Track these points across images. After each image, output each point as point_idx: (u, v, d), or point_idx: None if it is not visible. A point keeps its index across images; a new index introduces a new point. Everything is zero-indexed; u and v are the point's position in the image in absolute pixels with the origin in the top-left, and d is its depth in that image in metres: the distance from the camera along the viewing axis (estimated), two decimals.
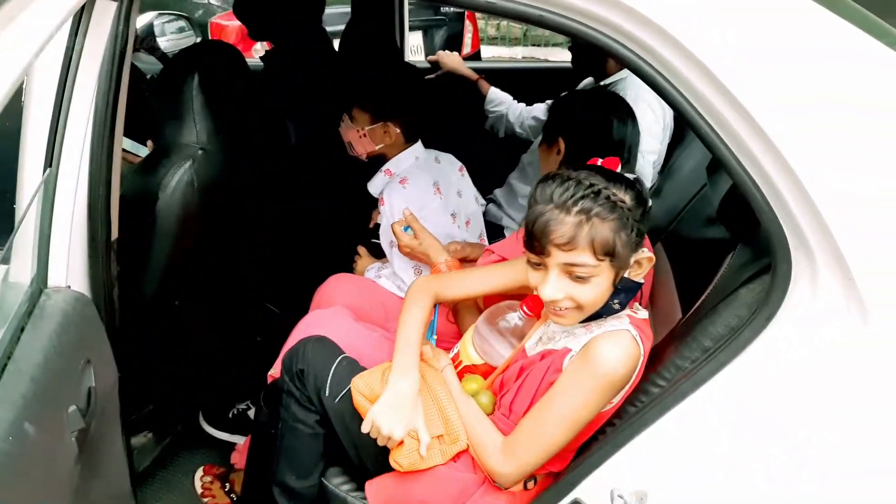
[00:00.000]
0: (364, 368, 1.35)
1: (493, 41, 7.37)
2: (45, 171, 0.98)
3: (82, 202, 1.08)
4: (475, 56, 4.58)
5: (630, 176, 1.13)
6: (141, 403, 1.62)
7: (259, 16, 2.21)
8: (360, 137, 1.76)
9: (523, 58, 7.22)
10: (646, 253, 1.11)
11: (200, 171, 1.36)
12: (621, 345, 1.09)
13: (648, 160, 1.85)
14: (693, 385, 1.00)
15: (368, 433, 1.19)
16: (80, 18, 0.94)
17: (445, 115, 2.00)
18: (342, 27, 2.44)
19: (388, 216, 1.73)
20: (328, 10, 4.13)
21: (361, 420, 1.22)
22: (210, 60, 1.39)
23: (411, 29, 4.14)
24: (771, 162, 0.88)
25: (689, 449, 1.01)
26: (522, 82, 2.67)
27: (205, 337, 1.78)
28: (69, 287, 1.04)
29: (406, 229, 1.66)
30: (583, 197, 1.04)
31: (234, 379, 2.10)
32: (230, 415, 2.01)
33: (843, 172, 0.86)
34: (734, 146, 0.90)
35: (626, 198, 1.07)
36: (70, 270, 1.06)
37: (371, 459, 1.29)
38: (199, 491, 1.83)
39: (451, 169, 1.87)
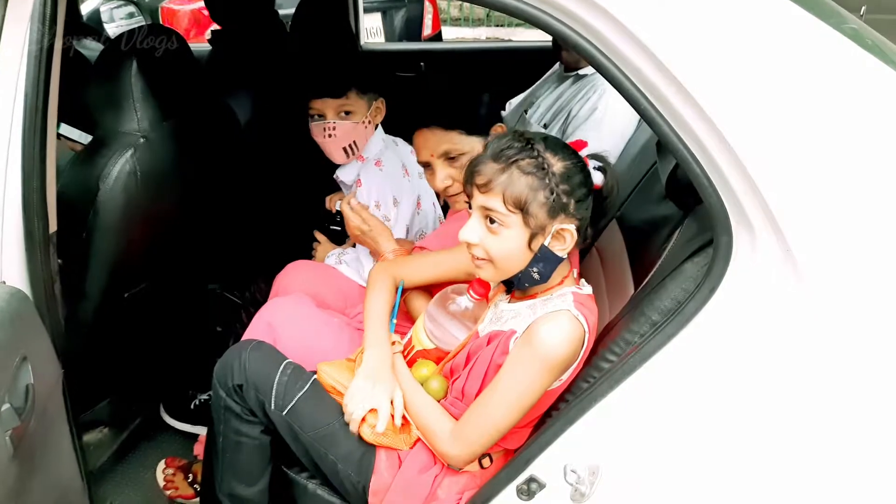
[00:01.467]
0: (306, 371, 1.33)
1: (455, 22, 7.32)
2: None
3: (14, 196, 1.04)
4: (436, 37, 4.54)
5: (593, 163, 1.15)
6: (94, 399, 1.59)
7: None
8: (365, 129, 1.71)
9: (487, 38, 7.19)
10: (570, 227, 1.11)
11: (143, 159, 1.32)
12: (562, 326, 1.09)
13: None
14: (641, 359, 1.01)
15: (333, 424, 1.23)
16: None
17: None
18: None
19: (364, 196, 1.73)
20: None
21: (312, 427, 1.25)
22: (149, 45, 1.34)
23: (370, 10, 4.09)
24: (709, 136, 0.88)
25: (640, 422, 1.02)
26: (488, 65, 2.63)
27: (159, 329, 1.74)
28: (3, 283, 1.01)
29: None
30: (510, 148, 1.09)
31: (194, 369, 2.08)
32: (192, 405, 1.99)
33: (780, 145, 0.87)
34: (673, 121, 0.91)
35: (559, 165, 1.09)
36: (5, 266, 1.02)
37: (326, 464, 1.27)
38: (162, 483, 1.81)
39: (406, 150, 1.86)
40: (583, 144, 1.16)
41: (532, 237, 1.10)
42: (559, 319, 1.10)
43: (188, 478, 1.82)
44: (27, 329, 0.99)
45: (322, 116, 1.69)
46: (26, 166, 1.05)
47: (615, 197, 1.17)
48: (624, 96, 0.94)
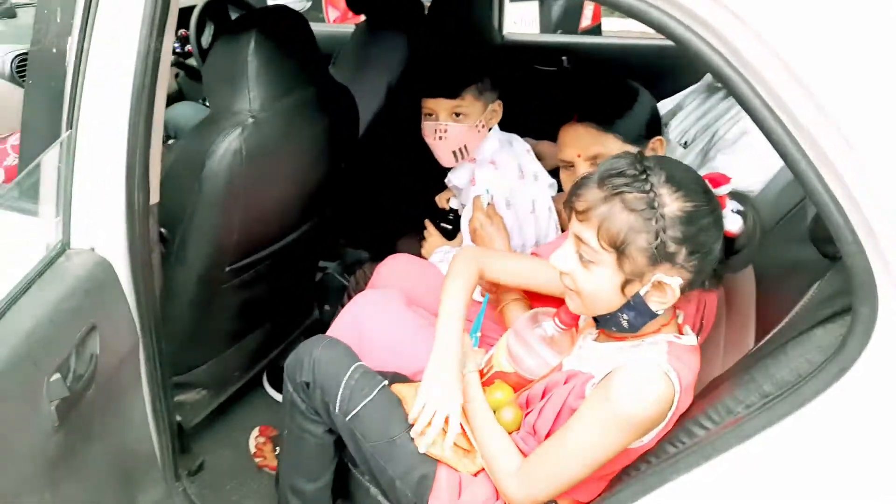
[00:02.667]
0: (377, 376, 1.27)
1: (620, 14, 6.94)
2: (66, 132, 0.97)
3: (116, 167, 1.08)
4: (595, 29, 4.30)
5: (732, 205, 0.95)
6: (194, 363, 1.66)
7: None
8: (478, 132, 1.62)
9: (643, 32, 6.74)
10: (672, 281, 0.93)
11: (250, 139, 1.32)
12: (646, 383, 0.93)
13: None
14: (739, 437, 0.83)
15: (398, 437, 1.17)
16: None
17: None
18: None
19: (476, 195, 1.64)
20: None
21: (374, 438, 1.19)
22: (270, 26, 1.34)
23: None
24: (858, 183, 0.69)
25: None
26: (638, 65, 2.40)
27: (263, 302, 1.78)
28: (92, 250, 1.04)
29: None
30: (621, 175, 0.92)
31: (298, 344, 2.14)
32: None
33: None
34: (813, 156, 0.72)
35: (674, 206, 0.91)
36: (98, 233, 1.06)
37: (384, 477, 1.21)
38: (253, 450, 1.87)
39: (522, 149, 1.75)
40: (723, 180, 0.96)
41: (626, 282, 0.94)
42: (644, 374, 0.94)
43: (276, 450, 1.87)
44: (104, 299, 1.01)
45: (434, 116, 1.60)
46: (131, 138, 1.08)
47: (753, 249, 0.97)
48: (755, 122, 0.77)
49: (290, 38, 1.40)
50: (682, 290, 0.95)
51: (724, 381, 1.01)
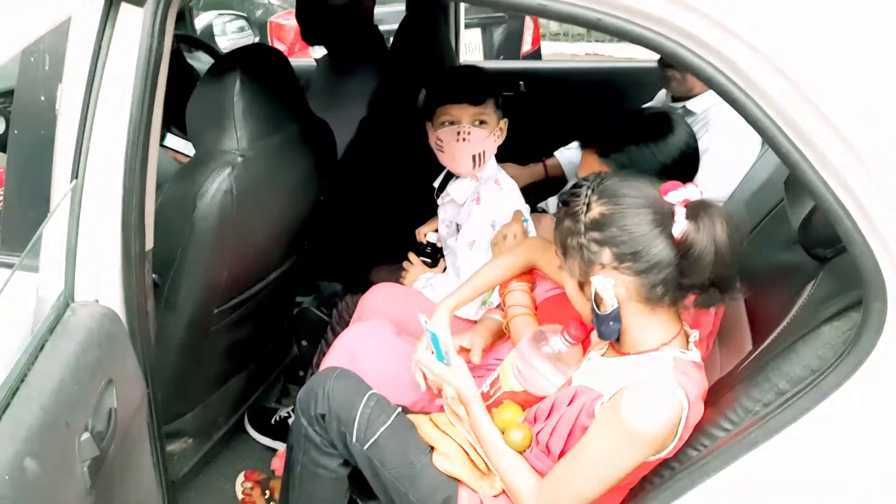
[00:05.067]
0: (391, 404, 1.28)
1: (555, 37, 7.19)
2: (71, 182, 0.94)
3: (114, 214, 1.05)
4: (535, 54, 4.45)
5: (682, 211, 0.95)
6: (180, 411, 1.60)
7: (317, 18, 2.17)
8: (494, 141, 1.68)
9: (587, 55, 7.02)
10: (602, 283, 0.99)
11: (240, 178, 1.31)
12: (653, 400, 0.96)
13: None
14: (765, 434, 0.88)
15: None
16: (105, 26, 0.90)
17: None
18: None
19: (481, 213, 1.68)
20: (386, 9, 4.10)
21: (394, 464, 1.21)
22: (253, 65, 1.34)
23: (469, 26, 4.06)
24: (864, 184, 0.75)
25: None
26: (589, 86, 2.51)
27: (245, 342, 1.74)
28: (97, 301, 1.01)
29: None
30: (573, 187, 1.05)
31: (278, 384, 2.09)
32: (273, 421, 2.00)
33: None
34: (818, 164, 0.78)
35: (595, 211, 1.00)
36: (99, 284, 1.02)
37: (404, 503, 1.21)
38: (240, 497, 1.82)
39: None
40: (672, 187, 0.98)
41: (581, 285, 1.05)
42: (651, 391, 0.97)
43: (265, 494, 1.82)
44: (115, 351, 0.98)
45: (455, 123, 1.65)
46: (127, 184, 1.05)
47: (706, 261, 0.94)
48: (760, 134, 0.82)
49: (272, 76, 1.40)
50: (652, 299, 0.99)
51: (733, 383, 1.06)
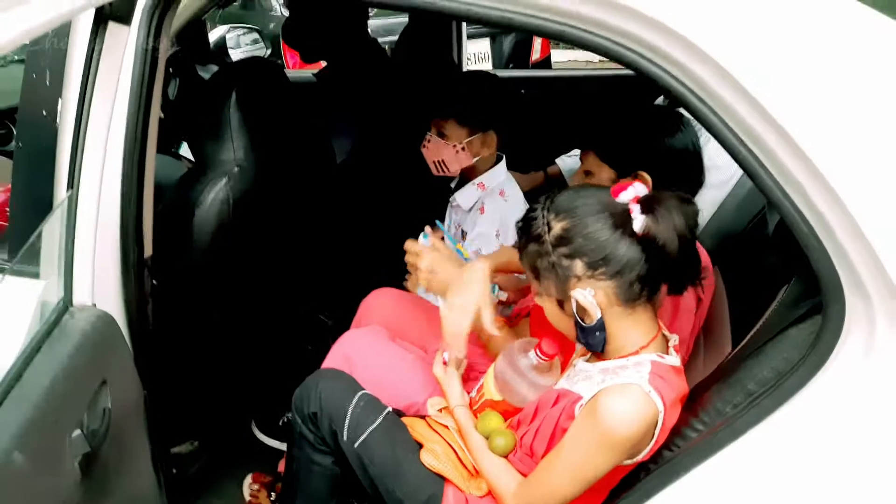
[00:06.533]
0: (382, 404, 1.31)
1: (568, 45, 7.19)
2: (67, 191, 1.00)
3: (111, 221, 1.10)
4: (545, 62, 4.47)
5: (637, 209, 0.97)
6: (185, 414, 1.65)
7: (309, 38, 2.22)
8: (456, 153, 1.72)
9: (601, 61, 7.01)
10: (581, 294, 1.00)
11: (237, 187, 1.37)
12: (629, 403, 0.98)
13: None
14: (731, 434, 0.90)
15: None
16: (95, 42, 0.96)
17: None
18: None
19: (487, 224, 1.72)
20: (388, 21, 4.14)
21: (382, 462, 1.23)
22: (248, 79, 1.39)
23: (478, 36, 4.10)
24: (820, 194, 0.77)
25: None
26: (597, 92, 2.52)
27: (248, 347, 1.79)
28: (94, 305, 1.06)
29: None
30: (530, 210, 1.06)
31: (284, 387, 2.13)
32: (280, 423, 2.04)
33: None
34: (775, 171, 0.80)
35: (558, 227, 1.00)
36: (96, 289, 1.08)
37: (391, 500, 1.24)
38: (247, 498, 1.85)
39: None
40: (622, 187, 0.99)
41: (560, 303, 1.04)
42: (627, 395, 0.99)
43: (271, 496, 1.86)
44: (110, 353, 1.03)
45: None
46: (125, 191, 1.11)
47: (673, 248, 0.95)
48: (720, 142, 0.85)
49: (268, 88, 1.45)
50: (631, 299, 1.01)
51: (710, 384, 1.08)
